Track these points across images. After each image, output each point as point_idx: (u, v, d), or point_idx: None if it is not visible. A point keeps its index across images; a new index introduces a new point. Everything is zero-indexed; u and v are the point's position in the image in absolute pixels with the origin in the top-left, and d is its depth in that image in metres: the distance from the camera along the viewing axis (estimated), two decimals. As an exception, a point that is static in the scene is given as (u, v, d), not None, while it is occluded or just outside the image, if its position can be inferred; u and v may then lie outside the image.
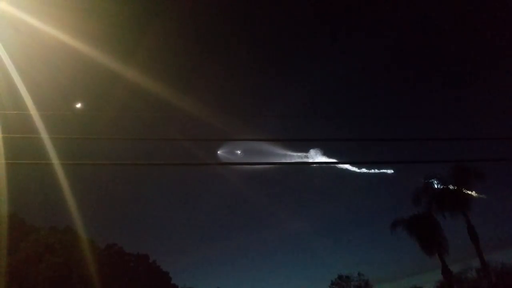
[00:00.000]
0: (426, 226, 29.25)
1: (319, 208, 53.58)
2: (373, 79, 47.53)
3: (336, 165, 43.18)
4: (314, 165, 52.02)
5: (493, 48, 38.96)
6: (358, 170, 42.50)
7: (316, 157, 41.17)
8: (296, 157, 41.02)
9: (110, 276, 26.53)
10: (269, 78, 47.63)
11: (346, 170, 41.89)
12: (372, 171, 42.72)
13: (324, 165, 48.83)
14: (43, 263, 25.22)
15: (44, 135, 12.95)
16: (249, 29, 39.52)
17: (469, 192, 28.81)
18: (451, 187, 29.58)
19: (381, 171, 42.25)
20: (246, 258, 54.97)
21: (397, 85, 48.59)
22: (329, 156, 41.36)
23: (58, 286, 25.04)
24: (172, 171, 41.51)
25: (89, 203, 25.31)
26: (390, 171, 42.05)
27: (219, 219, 54.92)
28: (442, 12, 36.83)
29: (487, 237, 31.48)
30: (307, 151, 41.37)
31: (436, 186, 30.30)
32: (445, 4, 36.51)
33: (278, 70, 47.48)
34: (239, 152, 38.48)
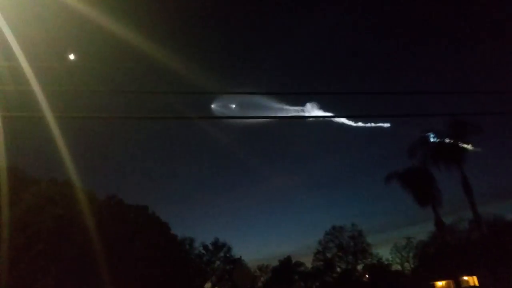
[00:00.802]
0: (421, 178, 29.88)
1: (315, 162, 54.57)
2: (370, 30, 46.77)
3: (332, 119, 43.39)
4: (310, 119, 52.37)
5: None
6: (355, 124, 42.92)
7: (312, 111, 41.32)
8: (292, 111, 41.13)
9: (111, 226, 27.22)
10: (263, 31, 46.85)
11: (343, 124, 42.28)
12: (369, 124, 43.16)
13: (320, 119, 49.17)
14: (44, 214, 25.77)
15: (37, 87, 12.92)
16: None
17: (465, 146, 29.05)
18: (447, 140, 29.75)
19: (378, 125, 42.68)
20: (241, 211, 56.58)
21: (395, 37, 47.87)
22: (326, 110, 41.54)
23: (59, 237, 25.73)
24: (168, 126, 41.65)
25: (88, 156, 25.54)
26: (386, 125, 42.50)
27: (214, 173, 55.86)
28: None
29: (480, 190, 32.37)
30: (303, 104, 41.48)
31: (432, 140, 30.55)
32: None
33: (273, 22, 46.60)
34: (233, 106, 38.55)
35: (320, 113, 40.29)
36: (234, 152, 54.37)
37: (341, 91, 14.55)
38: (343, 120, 41.11)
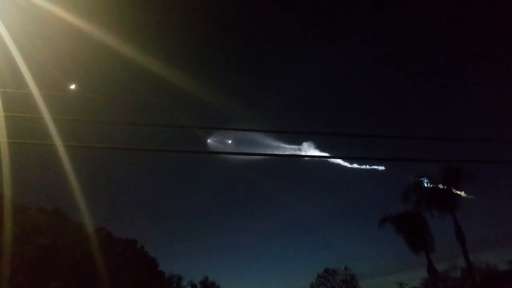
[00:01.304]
0: (414, 223, 29.88)
1: (308, 201, 54.02)
2: (368, 75, 47.73)
3: (328, 159, 43.47)
4: (306, 158, 52.44)
5: (488, 49, 39.32)
6: (350, 166, 42.97)
7: (309, 150, 41.44)
8: (288, 149, 41.17)
9: (97, 259, 26.62)
10: (264, 71, 47.69)
11: (339, 165, 42.32)
12: (364, 167, 43.23)
13: (316, 158, 49.36)
14: (29, 244, 25.23)
15: (35, 114, 12.97)
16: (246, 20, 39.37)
17: (458, 192, 29.26)
18: (440, 186, 30.03)
19: (372, 167, 42.75)
20: (233, 250, 55.40)
21: (391, 81, 48.87)
22: (322, 150, 41.67)
23: (44, 267, 25.09)
24: (164, 157, 41.52)
25: (80, 186, 25.26)
26: (381, 168, 42.58)
27: (207, 209, 55.15)
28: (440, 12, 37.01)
29: (473, 236, 32.12)
30: (300, 143, 41.60)
31: (425, 185, 30.83)
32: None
33: (274, 61, 47.56)
34: (230, 141, 38.64)
35: (316, 152, 40.43)
36: (228, 189, 54.06)
37: (337, 132, 14.66)
38: (339, 161, 41.27)
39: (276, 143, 39.80)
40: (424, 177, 30.73)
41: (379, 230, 31.22)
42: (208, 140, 38.64)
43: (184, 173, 49.46)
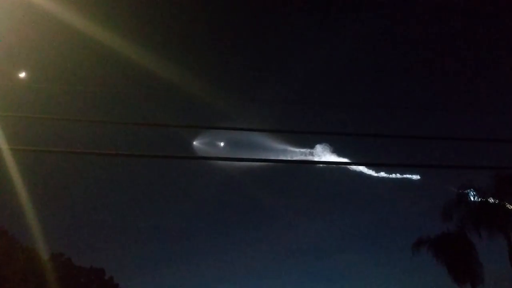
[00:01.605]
0: (458, 247, 29.26)
1: (322, 219, 52.94)
2: (396, 63, 46.79)
3: (348, 166, 42.54)
4: (320, 164, 51.48)
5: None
6: (376, 174, 42.05)
7: (324, 155, 40.65)
8: (298, 153, 40.36)
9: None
10: (268, 57, 46.86)
11: (361, 173, 41.45)
12: (393, 175, 42.28)
13: (333, 165, 48.08)
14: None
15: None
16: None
17: (513, 208, 28.64)
18: (491, 200, 29.54)
19: (405, 176, 41.78)
20: (226, 280, 54.34)
21: (430, 69, 47.85)
22: (340, 155, 40.85)
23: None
24: (140, 163, 40.64)
25: (30, 201, 24.57)
26: (415, 177, 41.59)
27: (196, 229, 54.06)
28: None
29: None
30: (312, 146, 40.82)
31: (472, 199, 30.21)
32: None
33: (280, 46, 46.64)
34: (223, 144, 37.86)
35: (333, 158, 39.63)
36: (221, 204, 52.89)
37: (360, 133, 13.64)
38: (362, 168, 40.33)
39: (282, 146, 39.01)
40: (470, 188, 30.04)
41: (413, 257, 30.52)
42: (196, 143, 37.89)
43: (166, 184, 48.56)
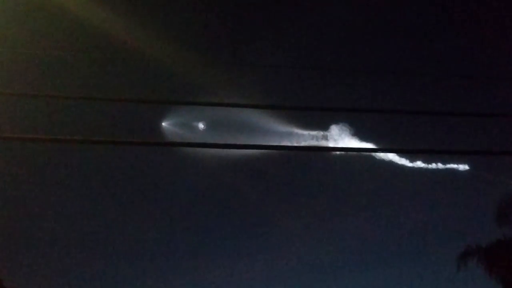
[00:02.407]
0: None
1: (339, 223, 53.62)
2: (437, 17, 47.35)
3: (374, 153, 42.88)
4: (337, 152, 51.93)
5: None
6: (410, 164, 42.53)
7: (341, 138, 41.08)
8: (307, 137, 40.79)
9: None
10: (264, 14, 47.16)
11: (391, 162, 41.88)
12: (433, 165, 42.83)
13: (354, 152, 48.59)
14: None
15: None
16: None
17: None
18: None
19: (448, 166, 42.41)
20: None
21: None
22: (363, 139, 41.30)
23: None
24: (100, 151, 41.00)
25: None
26: (463, 167, 42.25)
27: (173, 241, 54.54)
28: None
29: None
30: (326, 127, 41.21)
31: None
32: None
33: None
34: (205, 126, 38.17)
35: (354, 143, 40.09)
36: (204, 206, 53.32)
37: (390, 108, 14.51)
38: (392, 156, 40.81)
39: (286, 127, 39.50)
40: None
41: (459, 271, 31.12)
42: (166, 124, 38.12)
43: (132, 181, 48.99)
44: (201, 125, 38.80)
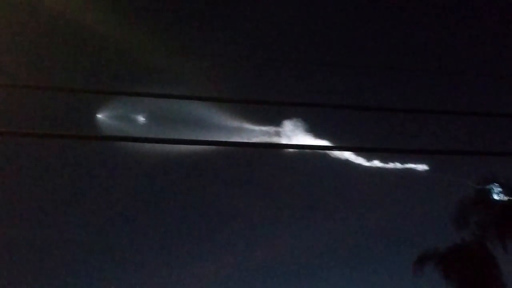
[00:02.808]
0: (475, 264, 29.90)
1: (288, 225, 53.33)
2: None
3: (329, 151, 42.81)
4: (290, 149, 51.79)
5: None
6: (367, 163, 42.47)
7: (295, 135, 40.68)
8: (258, 133, 40.37)
9: None
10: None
11: (347, 161, 41.74)
12: (391, 165, 42.87)
13: (308, 150, 48.44)
14: None
15: None
16: None
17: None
18: None
19: (406, 166, 42.46)
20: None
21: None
22: (318, 135, 41.00)
23: None
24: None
25: None
26: (421, 167, 42.33)
27: (103, 247, 53.09)
28: None
29: None
30: (278, 123, 40.79)
31: (496, 197, 30.96)
32: None
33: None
34: (144, 118, 37.33)
35: (308, 140, 39.75)
36: (139, 209, 52.16)
37: (346, 104, 13.82)
38: (348, 154, 40.65)
39: (235, 122, 38.91)
40: (494, 183, 30.80)
41: (414, 276, 31.14)
42: (102, 115, 37.07)
43: (65, 177, 47.61)
44: (141, 118, 37.93)
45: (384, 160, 42.26)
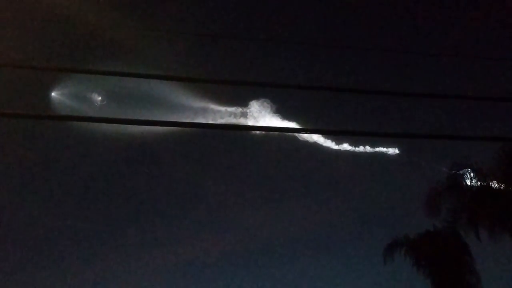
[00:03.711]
0: (447, 252, 29.80)
1: (254, 210, 53.02)
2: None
3: (297, 133, 42.52)
4: (257, 131, 51.31)
5: None
6: (336, 146, 42.32)
7: (262, 116, 40.31)
8: (224, 114, 39.93)
9: None
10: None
11: (315, 144, 41.51)
12: (361, 148, 42.75)
13: (275, 132, 48.14)
14: None
15: None
16: None
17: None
18: (494, 185, 30.14)
19: (377, 149, 42.39)
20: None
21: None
22: (285, 117, 40.65)
23: None
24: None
25: None
26: (392, 151, 42.30)
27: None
28: None
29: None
30: (245, 104, 40.38)
31: (469, 182, 30.76)
32: None
33: None
34: (102, 97, 36.67)
35: (275, 121, 39.38)
36: (97, 190, 51.44)
37: (316, 85, 13.38)
38: (316, 137, 40.42)
39: (200, 102, 38.38)
40: (467, 168, 30.62)
41: (384, 265, 31.16)
42: (56, 93, 36.28)
43: (18, 157, 46.66)
44: (102, 97, 37.31)
45: (354, 143, 42.18)
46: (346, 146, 42.43)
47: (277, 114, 40.31)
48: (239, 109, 40.23)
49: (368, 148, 42.45)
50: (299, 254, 50.20)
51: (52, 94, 36.68)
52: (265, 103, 40.05)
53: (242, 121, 40.74)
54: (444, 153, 32.67)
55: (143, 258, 48.24)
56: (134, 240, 50.14)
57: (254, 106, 40.16)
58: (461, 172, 30.66)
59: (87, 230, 47.69)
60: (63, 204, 48.58)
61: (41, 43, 34.37)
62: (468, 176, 30.42)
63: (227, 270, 49.27)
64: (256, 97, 39.76)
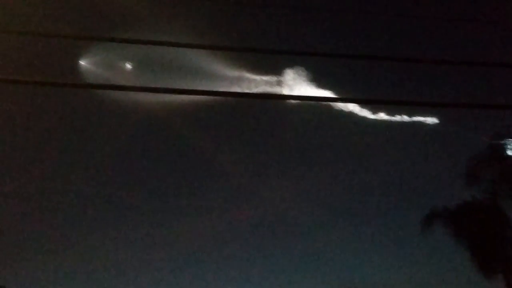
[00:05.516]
0: (487, 223, 30.11)
1: (290, 181, 53.26)
2: None
3: (333, 102, 42.55)
4: (291, 100, 51.42)
5: None
6: (373, 116, 42.24)
7: (296, 85, 40.40)
8: (257, 82, 40.04)
9: None
10: None
11: (351, 113, 41.50)
12: (398, 117, 42.60)
13: (311, 101, 48.04)
14: None
15: None
16: None
17: None
18: None
19: (414, 119, 42.23)
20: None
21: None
22: (321, 86, 40.68)
23: None
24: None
25: None
26: (430, 120, 42.10)
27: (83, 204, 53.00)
28: None
29: None
30: (279, 72, 40.47)
31: (510, 153, 30.84)
32: None
33: None
34: (131, 65, 36.82)
35: (310, 90, 39.49)
36: (123, 167, 51.96)
37: (352, 53, 13.66)
38: (352, 106, 40.44)
39: (232, 71, 38.58)
40: (508, 138, 30.75)
41: (423, 236, 31.21)
42: (84, 61, 36.59)
43: (52, 126, 47.39)
44: (134, 66, 37.65)
45: (391, 112, 41.97)
46: (383, 116, 42.25)
47: (312, 83, 40.32)
48: (274, 78, 40.24)
49: (406, 118, 42.20)
50: (335, 225, 50.41)
51: (84, 63, 37.08)
52: (300, 72, 40.02)
53: (277, 89, 40.86)
54: (486, 122, 32.37)
55: (165, 228, 48.83)
56: (167, 207, 50.79)
57: (289, 75, 40.18)
58: (501, 142, 30.63)
59: (119, 197, 48.44)
60: (94, 173, 49.27)
61: (70, 12, 34.81)
62: (510, 146, 30.38)
63: (266, 235, 50.00)
64: (290, 65, 39.74)
